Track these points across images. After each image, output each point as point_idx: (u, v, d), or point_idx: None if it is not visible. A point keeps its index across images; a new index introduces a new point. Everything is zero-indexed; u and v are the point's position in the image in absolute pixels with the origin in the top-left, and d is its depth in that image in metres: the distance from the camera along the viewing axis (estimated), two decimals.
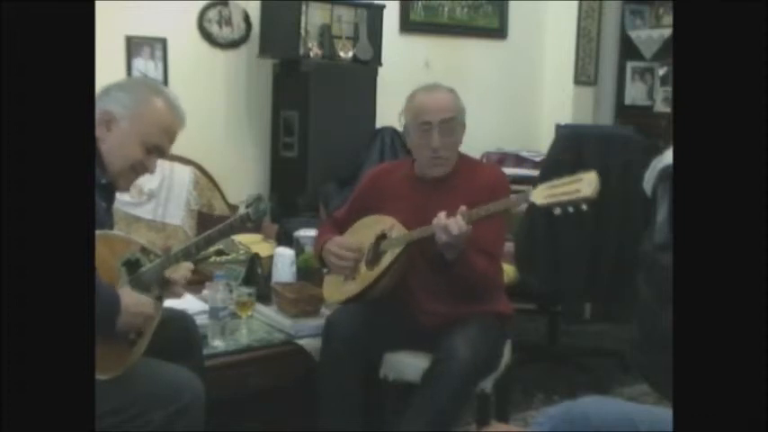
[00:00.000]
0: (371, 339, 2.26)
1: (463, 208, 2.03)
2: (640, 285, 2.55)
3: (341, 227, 2.47)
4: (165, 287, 1.85)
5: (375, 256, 2.29)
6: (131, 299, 1.75)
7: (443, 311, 2.25)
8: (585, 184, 1.87)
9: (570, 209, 1.90)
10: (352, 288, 2.31)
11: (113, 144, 1.81)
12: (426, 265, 2.24)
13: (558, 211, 1.92)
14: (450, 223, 2.01)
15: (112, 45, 3.49)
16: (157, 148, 1.89)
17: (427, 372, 2.15)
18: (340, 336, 2.24)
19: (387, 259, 2.24)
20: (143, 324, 1.78)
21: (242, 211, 1.98)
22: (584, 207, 1.89)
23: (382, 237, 2.30)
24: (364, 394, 2.30)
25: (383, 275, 2.25)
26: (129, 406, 1.73)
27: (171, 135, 1.91)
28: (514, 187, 3.81)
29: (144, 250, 1.83)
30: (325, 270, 2.51)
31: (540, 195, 1.95)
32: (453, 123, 2.26)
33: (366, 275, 2.28)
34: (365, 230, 2.36)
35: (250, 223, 2.00)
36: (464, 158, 2.37)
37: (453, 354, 2.09)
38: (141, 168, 1.88)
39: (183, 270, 1.87)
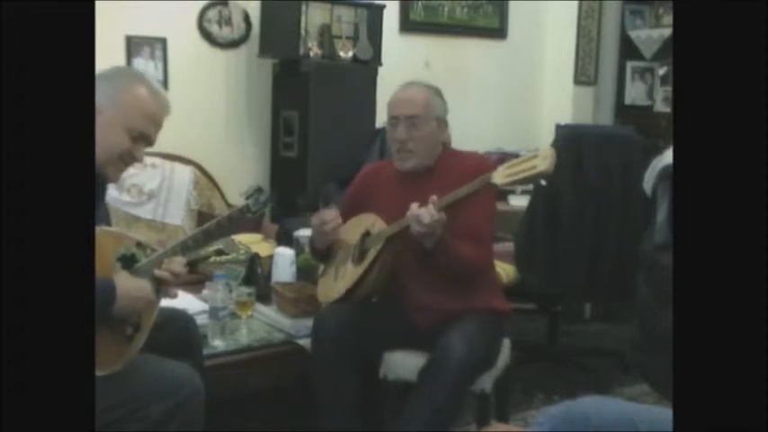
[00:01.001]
0: (363, 338, 2.26)
1: (434, 197, 2.06)
2: (640, 285, 2.55)
3: None
4: (160, 284, 1.84)
5: (360, 253, 2.31)
6: (129, 283, 1.74)
7: (437, 307, 2.26)
8: (541, 159, 1.92)
9: (531, 185, 1.96)
10: (341, 286, 2.32)
11: (99, 134, 1.76)
12: (414, 260, 2.25)
13: (518, 189, 1.99)
14: (422, 212, 2.04)
15: (112, 45, 3.49)
16: (143, 136, 1.86)
17: (423, 370, 2.15)
18: (327, 335, 2.24)
19: (370, 255, 2.26)
20: (143, 309, 1.77)
21: (242, 202, 1.96)
22: (543, 182, 1.96)
23: (366, 234, 2.32)
24: (362, 394, 2.29)
25: (368, 271, 2.26)
26: (128, 401, 1.72)
27: (156, 122, 1.88)
28: (515, 187, 3.84)
29: (140, 245, 1.81)
30: (319, 272, 2.52)
31: (501, 176, 2.00)
32: (420, 119, 2.28)
33: (353, 273, 2.30)
34: (352, 230, 2.37)
35: (250, 214, 1.97)
36: (448, 152, 2.40)
37: (448, 351, 2.09)
38: (129, 158, 1.86)
39: (175, 265, 1.82)
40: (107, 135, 1.79)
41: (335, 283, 2.36)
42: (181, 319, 2.10)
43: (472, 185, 2.07)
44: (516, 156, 4.41)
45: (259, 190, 1.97)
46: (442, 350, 2.11)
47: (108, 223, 1.97)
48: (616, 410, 1.45)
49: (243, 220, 1.99)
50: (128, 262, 1.79)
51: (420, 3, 4.43)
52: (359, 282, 2.28)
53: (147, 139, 1.88)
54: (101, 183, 1.91)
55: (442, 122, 2.36)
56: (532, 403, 3.04)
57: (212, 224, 1.92)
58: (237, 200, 3.80)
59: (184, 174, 3.62)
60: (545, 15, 4.87)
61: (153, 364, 1.81)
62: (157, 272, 1.79)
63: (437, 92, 2.37)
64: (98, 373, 1.58)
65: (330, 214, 2.34)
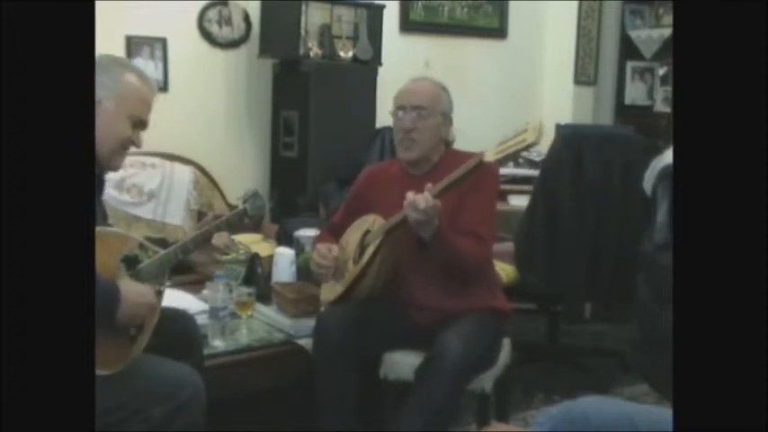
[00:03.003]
0: (364, 339, 2.26)
1: (429, 185, 2.07)
2: (640, 285, 2.55)
3: (338, 231, 2.48)
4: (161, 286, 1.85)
5: (360, 252, 2.31)
6: (132, 288, 1.76)
7: (437, 307, 2.26)
8: (530, 132, 1.97)
9: (520, 159, 2.01)
10: (342, 285, 2.32)
11: (102, 126, 1.81)
12: (414, 259, 2.25)
13: (509, 163, 2.05)
14: (418, 198, 2.05)
15: (112, 45, 3.49)
16: (141, 122, 1.92)
17: (420, 369, 2.15)
18: (329, 335, 2.24)
19: (369, 251, 2.27)
20: (145, 314, 1.78)
21: (239, 206, 2.00)
22: (535, 157, 2.01)
23: (367, 233, 2.32)
24: (362, 394, 2.29)
25: (367, 268, 2.27)
26: (129, 402, 1.73)
27: (149, 106, 1.94)
28: (515, 187, 3.85)
29: (142, 246, 1.84)
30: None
31: (492, 154, 2.03)
32: (426, 110, 2.31)
33: (352, 271, 2.30)
34: (355, 232, 2.38)
35: (247, 219, 2.02)
36: (451, 151, 2.40)
37: (446, 350, 2.09)
38: (129, 144, 1.91)
39: (224, 238, 1.95)
40: (111, 125, 1.85)
41: (337, 283, 2.36)
42: (181, 319, 2.10)
43: (465, 166, 2.08)
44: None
45: (256, 194, 2.02)
46: (439, 349, 2.11)
47: (105, 219, 1.98)
48: (616, 410, 1.44)
49: (241, 223, 2.03)
50: (131, 263, 1.81)
51: (420, 3, 4.43)
52: (358, 279, 2.28)
53: (144, 124, 1.93)
54: (100, 177, 1.93)
55: (447, 119, 2.37)
56: (532, 403, 3.04)
57: (211, 227, 1.96)
58: (237, 200, 3.81)
59: (184, 174, 3.62)
60: (545, 15, 4.87)
61: (154, 366, 1.82)
62: (214, 242, 1.95)
63: (444, 89, 2.40)
64: (101, 372, 1.59)
65: (330, 251, 2.35)
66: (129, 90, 1.87)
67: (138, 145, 1.93)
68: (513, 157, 2.03)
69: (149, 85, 1.94)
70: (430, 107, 2.31)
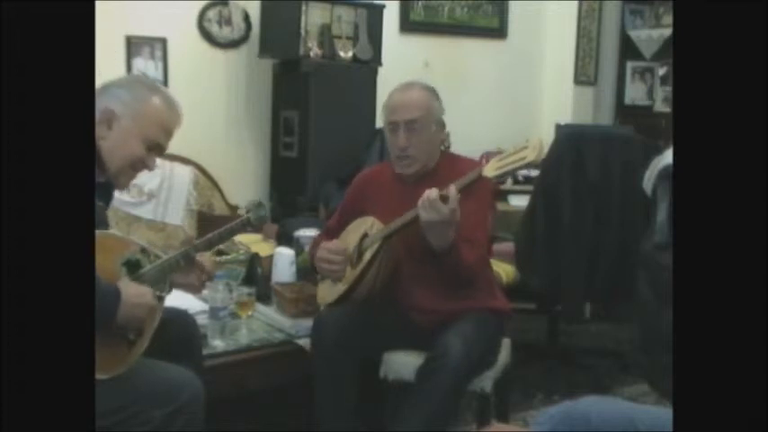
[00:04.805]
0: (363, 339, 2.26)
1: (452, 186, 2.02)
2: (640, 285, 2.55)
3: (334, 235, 2.47)
4: (162, 291, 1.86)
5: (358, 255, 2.31)
6: (132, 290, 1.75)
7: (436, 307, 2.25)
8: (530, 150, 1.94)
9: (520, 177, 2.01)
10: (339, 288, 2.32)
11: (115, 142, 1.81)
12: (412, 260, 2.24)
13: (507, 180, 2.04)
14: (432, 196, 1.99)
15: (112, 45, 3.50)
16: (158, 146, 1.89)
17: (421, 369, 2.15)
18: (327, 336, 2.24)
19: (367, 256, 2.26)
20: (144, 315, 1.78)
21: (243, 215, 2.01)
22: (533, 173, 2.02)
23: (365, 236, 2.31)
24: (362, 394, 2.29)
25: (365, 272, 2.26)
26: (129, 405, 1.73)
27: (169, 133, 1.91)
28: (515, 187, 3.85)
29: (144, 251, 1.83)
30: (318, 276, 2.51)
31: (491, 169, 2.02)
32: (420, 123, 2.25)
33: (350, 275, 2.29)
34: (351, 234, 2.37)
35: (250, 228, 2.02)
36: (446, 155, 2.39)
37: (447, 351, 2.09)
38: (141, 166, 1.88)
39: (209, 260, 1.97)
40: (124, 144, 1.83)
41: (334, 285, 2.36)
42: (181, 320, 2.10)
43: (464, 179, 2.06)
44: None
45: (259, 204, 2.02)
46: (441, 350, 2.11)
47: (106, 227, 1.98)
48: (616, 410, 1.45)
49: (243, 232, 2.05)
50: (132, 267, 1.81)
51: (420, 3, 4.43)
52: (356, 283, 2.28)
53: (161, 149, 1.91)
54: (108, 190, 1.92)
55: (441, 124, 2.34)
56: (532, 403, 3.04)
57: (214, 235, 1.96)
58: (237, 200, 3.82)
59: (184, 174, 3.62)
60: (545, 15, 4.87)
61: (154, 368, 1.81)
62: (201, 262, 1.93)
63: (434, 93, 2.35)
64: (100, 376, 1.58)
65: (338, 252, 2.32)
66: (149, 112, 1.85)
67: (150, 168, 1.90)
68: (512, 173, 2.03)
69: (174, 112, 1.90)
70: (423, 119, 2.26)
